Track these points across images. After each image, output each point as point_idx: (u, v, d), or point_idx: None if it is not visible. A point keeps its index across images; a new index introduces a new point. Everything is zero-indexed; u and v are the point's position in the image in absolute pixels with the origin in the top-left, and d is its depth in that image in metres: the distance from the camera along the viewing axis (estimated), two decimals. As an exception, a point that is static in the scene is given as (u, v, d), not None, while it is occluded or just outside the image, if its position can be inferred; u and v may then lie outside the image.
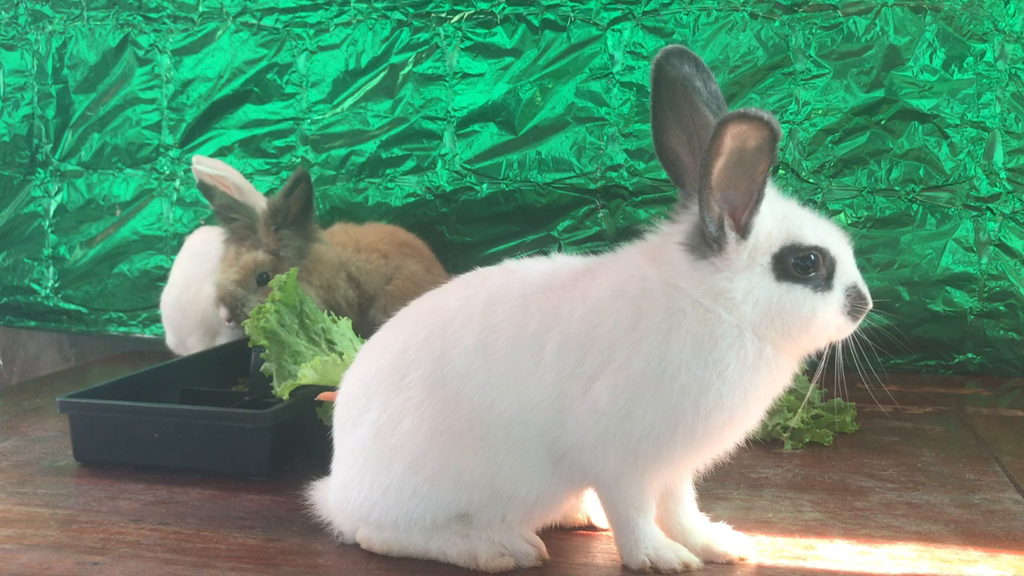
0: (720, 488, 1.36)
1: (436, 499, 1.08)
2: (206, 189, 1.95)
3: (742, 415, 1.04)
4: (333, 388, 1.44)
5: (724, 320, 1.01)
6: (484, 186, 2.31)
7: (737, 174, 0.99)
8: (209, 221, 2.44)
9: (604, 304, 1.05)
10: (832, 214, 2.13)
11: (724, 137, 0.95)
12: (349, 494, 1.12)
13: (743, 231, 1.02)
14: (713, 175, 0.98)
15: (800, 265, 1.02)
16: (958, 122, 2.06)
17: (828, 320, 1.03)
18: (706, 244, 1.03)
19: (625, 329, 1.02)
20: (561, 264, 1.14)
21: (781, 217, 1.03)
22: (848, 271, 1.05)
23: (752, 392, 1.03)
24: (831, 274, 1.03)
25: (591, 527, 1.22)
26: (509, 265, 1.16)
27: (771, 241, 1.02)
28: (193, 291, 2.11)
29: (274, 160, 2.44)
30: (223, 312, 1.91)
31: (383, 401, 1.10)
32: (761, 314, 1.01)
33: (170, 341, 2.21)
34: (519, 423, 1.05)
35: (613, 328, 1.03)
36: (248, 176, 2.27)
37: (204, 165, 1.97)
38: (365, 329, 1.96)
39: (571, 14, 2.23)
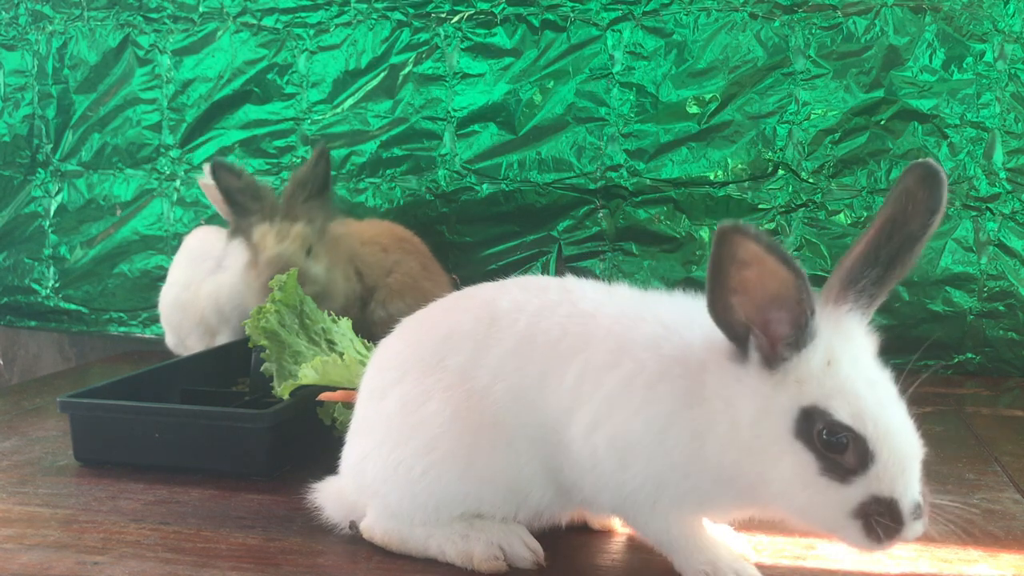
0: (720, 488, 1.36)
1: (443, 484, 1.08)
2: (224, 173, 1.90)
3: (724, 510, 1.02)
4: (333, 388, 1.45)
5: (725, 430, 0.93)
6: (484, 186, 2.31)
7: (774, 297, 0.87)
8: (209, 221, 2.45)
9: (635, 349, 1.01)
10: (832, 214, 2.13)
11: (722, 247, 0.84)
12: (367, 465, 1.12)
13: (771, 362, 0.89)
14: (731, 279, 0.86)
15: (827, 441, 0.86)
16: (958, 122, 2.06)
17: (817, 514, 0.90)
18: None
19: (642, 384, 0.99)
20: (619, 294, 1.11)
21: (845, 378, 0.87)
22: (890, 481, 0.86)
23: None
24: (858, 470, 0.86)
25: (591, 527, 1.23)
26: (570, 283, 1.14)
27: (806, 390, 0.87)
28: (193, 290, 2.11)
29: (274, 160, 2.45)
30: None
31: (416, 378, 1.10)
32: (755, 453, 0.91)
33: (169, 341, 2.21)
34: (539, 438, 1.05)
35: (630, 375, 0.99)
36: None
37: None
38: (364, 323, 1.97)
39: (571, 14, 2.23)
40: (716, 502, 1.00)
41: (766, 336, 0.89)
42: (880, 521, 0.86)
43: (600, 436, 1.00)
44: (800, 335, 0.87)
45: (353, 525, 1.18)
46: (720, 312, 0.89)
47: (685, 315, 1.03)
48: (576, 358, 1.03)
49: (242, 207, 1.92)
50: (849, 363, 0.87)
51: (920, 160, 0.90)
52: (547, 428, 1.04)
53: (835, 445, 0.86)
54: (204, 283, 2.11)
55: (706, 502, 1.00)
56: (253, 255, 1.91)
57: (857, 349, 0.89)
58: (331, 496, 1.22)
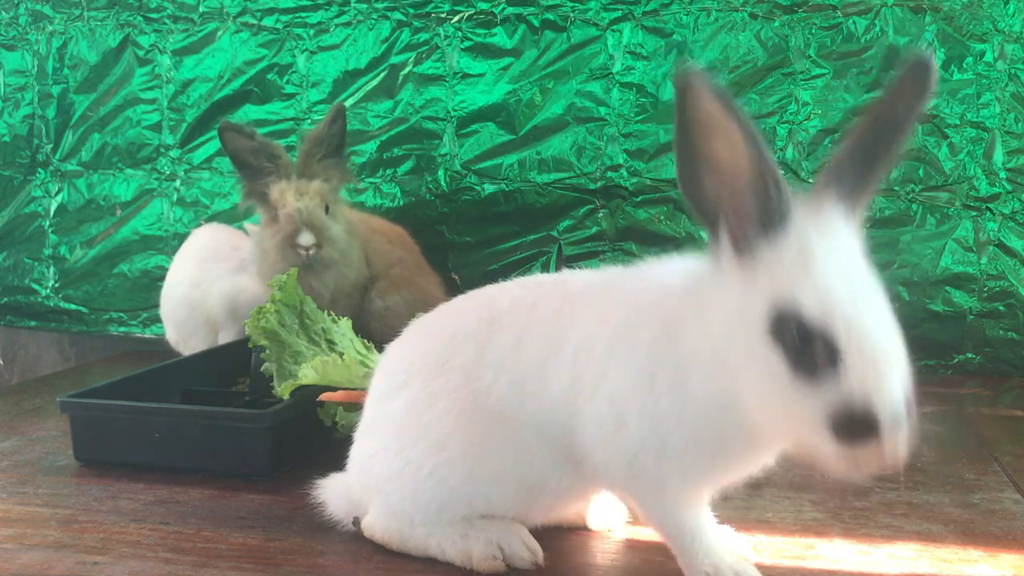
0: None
1: (450, 485, 1.08)
2: (233, 134, 1.86)
3: (728, 458, 0.98)
4: (333, 388, 1.45)
5: (705, 352, 0.91)
6: (484, 186, 2.31)
7: (736, 165, 0.82)
8: (210, 220, 2.44)
9: (615, 307, 1.02)
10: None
11: (684, 104, 0.80)
12: (373, 464, 1.13)
13: (739, 246, 0.85)
14: (695, 143, 0.82)
15: (796, 336, 0.80)
16: (958, 122, 2.06)
17: (794, 422, 0.83)
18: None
19: (625, 337, 0.99)
20: (609, 274, 1.12)
21: (818, 273, 0.80)
22: (861, 382, 0.78)
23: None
24: (826, 368, 0.79)
25: (590, 527, 1.22)
26: (565, 275, 1.15)
27: (776, 282, 0.82)
28: (204, 288, 2.10)
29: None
30: (309, 238, 1.83)
31: (423, 380, 1.11)
32: (734, 366, 0.88)
33: (170, 337, 2.21)
34: (545, 423, 1.05)
35: (615, 332, 1.01)
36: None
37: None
38: (362, 313, 1.97)
39: (571, 14, 2.23)
40: (716, 455, 0.97)
41: (735, 216, 0.84)
42: (854, 428, 0.77)
43: (601, 400, 1.00)
44: (767, 214, 0.82)
45: (356, 521, 1.18)
46: (689, 185, 0.84)
47: (668, 267, 1.03)
48: (571, 335, 1.04)
49: (254, 169, 1.88)
50: (824, 255, 0.81)
51: (912, 54, 0.86)
52: (553, 410, 1.04)
53: (803, 340, 0.79)
54: (217, 282, 2.10)
55: (709, 458, 0.96)
56: (269, 215, 1.88)
57: (836, 244, 0.83)
58: (335, 493, 1.23)
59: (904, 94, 0.85)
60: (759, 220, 0.83)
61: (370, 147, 2.37)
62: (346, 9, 2.36)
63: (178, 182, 2.53)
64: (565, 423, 1.04)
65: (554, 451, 1.06)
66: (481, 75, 2.29)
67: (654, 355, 0.97)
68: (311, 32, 2.39)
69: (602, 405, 1.00)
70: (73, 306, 2.65)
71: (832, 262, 0.81)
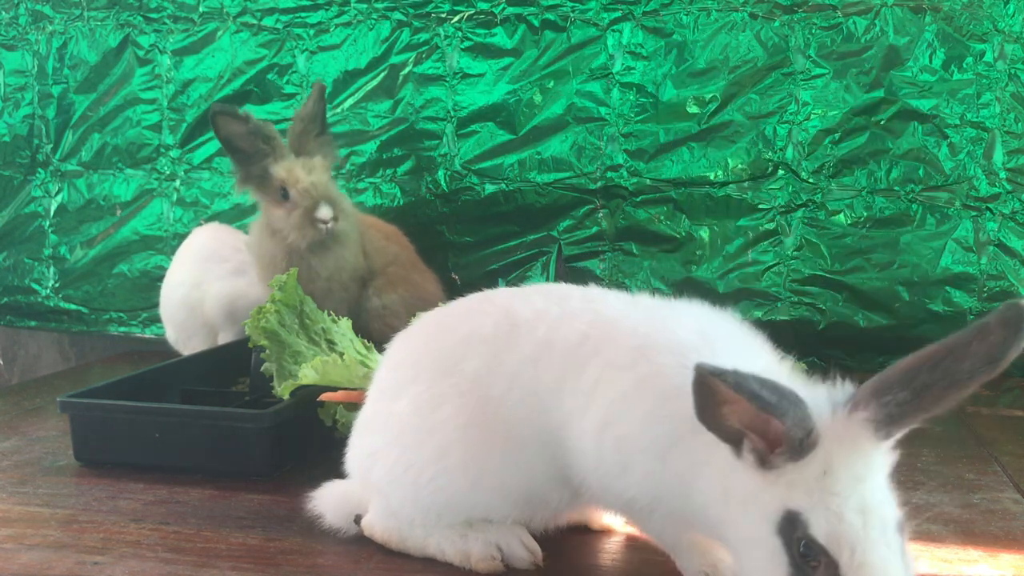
0: (720, 488, 1.36)
1: (450, 492, 1.07)
2: (226, 119, 1.86)
3: None
4: (333, 388, 1.45)
5: (721, 475, 0.89)
6: (484, 186, 2.31)
7: (764, 422, 0.82)
8: (210, 220, 2.44)
9: (656, 353, 0.98)
10: (832, 214, 2.13)
11: (702, 392, 0.81)
12: (374, 462, 1.13)
13: (765, 463, 0.84)
14: (718, 402, 0.82)
15: (802, 553, 0.80)
16: (958, 122, 2.06)
17: None
18: None
19: (656, 392, 0.96)
20: (643, 303, 1.09)
21: (837, 494, 0.80)
22: None
23: None
24: None
25: (591, 527, 1.23)
26: (593, 292, 1.13)
27: (795, 493, 0.82)
28: (203, 290, 2.10)
29: (274, 160, 2.44)
30: (328, 211, 1.84)
31: (431, 380, 1.09)
32: (739, 525, 0.87)
33: (170, 337, 2.21)
34: (551, 440, 1.04)
35: (645, 378, 0.97)
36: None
37: None
38: (358, 311, 1.97)
39: (571, 14, 2.23)
40: (699, 530, 0.99)
41: (763, 442, 0.83)
42: None
43: (609, 436, 0.98)
44: (792, 448, 0.81)
45: (358, 519, 1.18)
46: (710, 421, 0.83)
47: (724, 329, 0.99)
48: (595, 359, 1.01)
49: (248, 154, 1.87)
50: (846, 480, 0.80)
51: (1015, 301, 0.78)
52: (558, 428, 1.03)
53: (809, 559, 0.80)
54: (216, 283, 2.10)
55: (694, 527, 0.99)
56: (271, 197, 1.87)
57: (860, 465, 0.81)
58: (331, 500, 1.22)
59: (980, 348, 0.78)
60: (785, 450, 0.82)
61: (370, 147, 2.38)
62: (346, 9, 2.36)
63: (178, 182, 2.53)
64: (564, 441, 1.03)
65: (556, 469, 1.05)
66: (481, 75, 2.29)
67: (681, 434, 0.93)
68: (311, 32, 2.39)
69: (608, 443, 0.98)
70: (73, 306, 2.65)
71: (852, 489, 0.80)
